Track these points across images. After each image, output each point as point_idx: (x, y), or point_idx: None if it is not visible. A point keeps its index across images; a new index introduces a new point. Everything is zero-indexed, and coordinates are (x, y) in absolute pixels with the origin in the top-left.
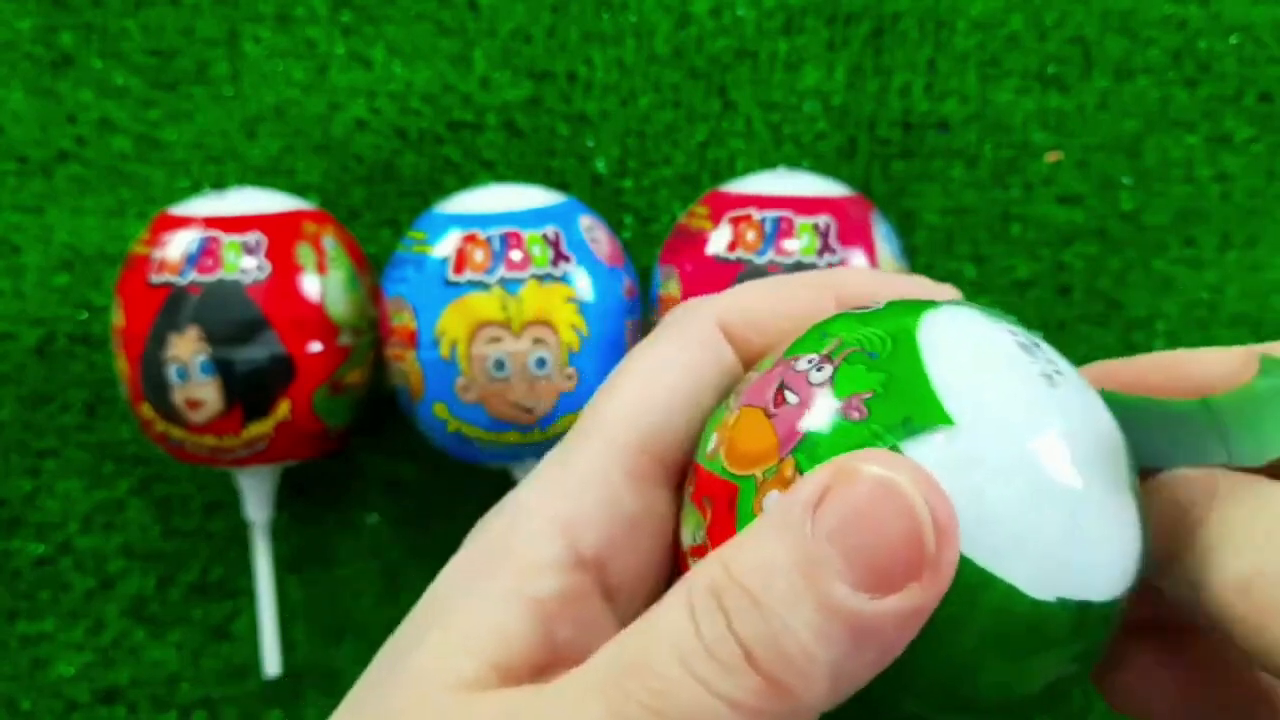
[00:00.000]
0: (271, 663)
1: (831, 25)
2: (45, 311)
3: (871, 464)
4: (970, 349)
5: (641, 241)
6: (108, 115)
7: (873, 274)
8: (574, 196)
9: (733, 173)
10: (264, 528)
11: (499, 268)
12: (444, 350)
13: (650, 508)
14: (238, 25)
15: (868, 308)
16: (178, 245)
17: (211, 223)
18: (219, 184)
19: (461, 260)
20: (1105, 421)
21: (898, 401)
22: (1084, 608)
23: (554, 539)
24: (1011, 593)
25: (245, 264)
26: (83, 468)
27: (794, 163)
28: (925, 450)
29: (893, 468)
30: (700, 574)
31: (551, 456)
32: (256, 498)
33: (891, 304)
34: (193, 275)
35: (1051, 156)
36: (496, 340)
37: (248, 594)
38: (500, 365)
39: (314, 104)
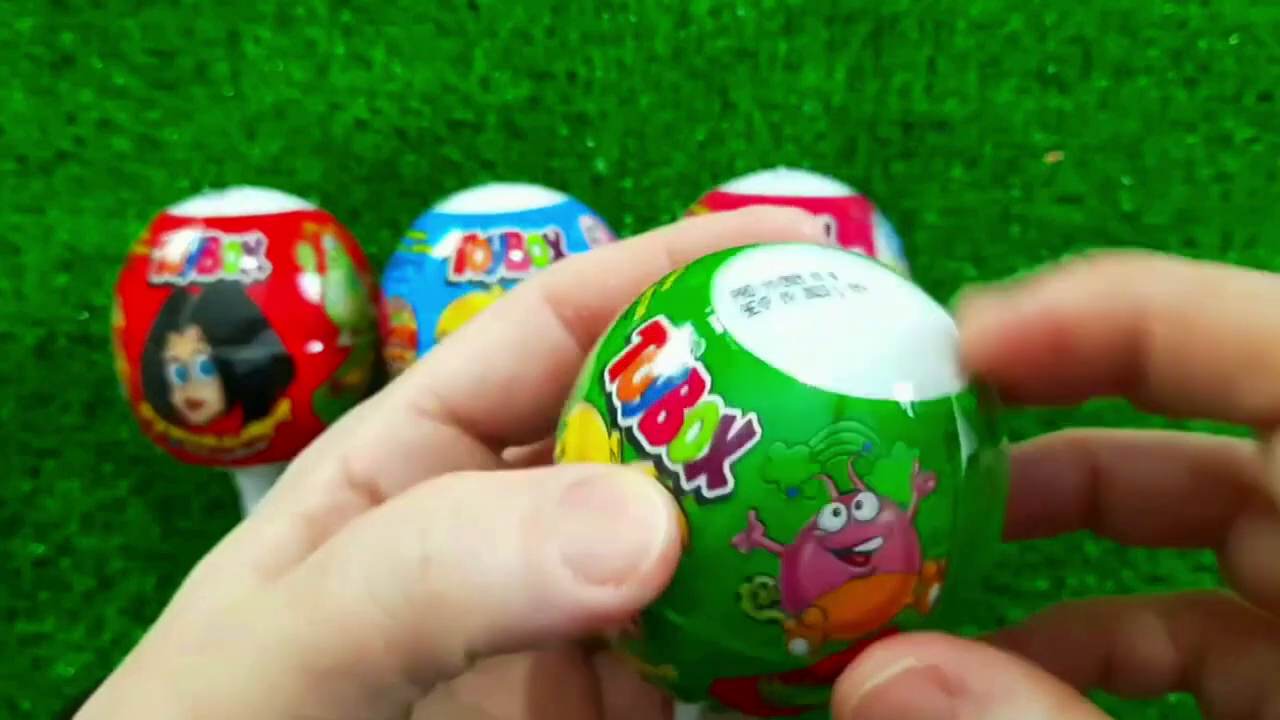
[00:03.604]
0: None
1: (831, 25)
2: (45, 311)
3: (608, 474)
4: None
5: None
6: (108, 115)
7: (703, 221)
8: (574, 196)
9: (733, 173)
10: None
11: (499, 268)
12: None
13: (429, 440)
14: (238, 25)
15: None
16: (178, 245)
17: (211, 223)
18: (219, 184)
19: (462, 260)
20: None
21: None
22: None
23: (330, 464)
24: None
25: (245, 264)
26: (83, 468)
27: (794, 163)
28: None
29: (632, 482)
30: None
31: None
32: (256, 498)
33: (695, 262)
34: (193, 275)
35: (1051, 157)
36: None
37: None
38: None
39: (314, 104)
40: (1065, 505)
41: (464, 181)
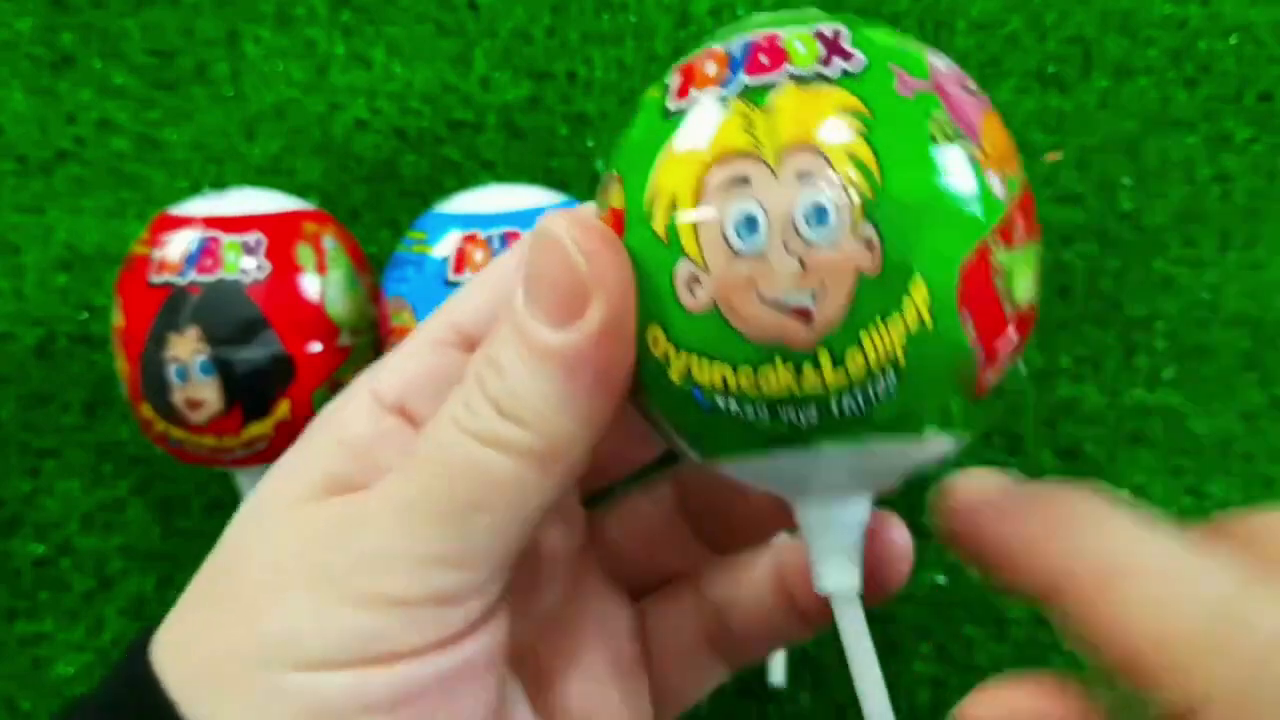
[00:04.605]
0: None
1: None
2: (45, 311)
3: (539, 221)
4: None
5: None
6: (108, 115)
7: None
8: (574, 196)
9: None
10: None
11: None
12: None
13: (449, 364)
14: (238, 25)
15: None
16: (178, 245)
17: (211, 223)
18: (219, 184)
19: (461, 260)
20: None
21: None
22: None
23: (361, 397)
24: None
25: (245, 264)
26: (83, 468)
27: None
28: None
29: (550, 219)
30: (469, 366)
31: None
32: None
33: None
34: (193, 275)
35: (1051, 156)
36: None
37: None
38: None
39: (314, 104)
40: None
41: (464, 181)
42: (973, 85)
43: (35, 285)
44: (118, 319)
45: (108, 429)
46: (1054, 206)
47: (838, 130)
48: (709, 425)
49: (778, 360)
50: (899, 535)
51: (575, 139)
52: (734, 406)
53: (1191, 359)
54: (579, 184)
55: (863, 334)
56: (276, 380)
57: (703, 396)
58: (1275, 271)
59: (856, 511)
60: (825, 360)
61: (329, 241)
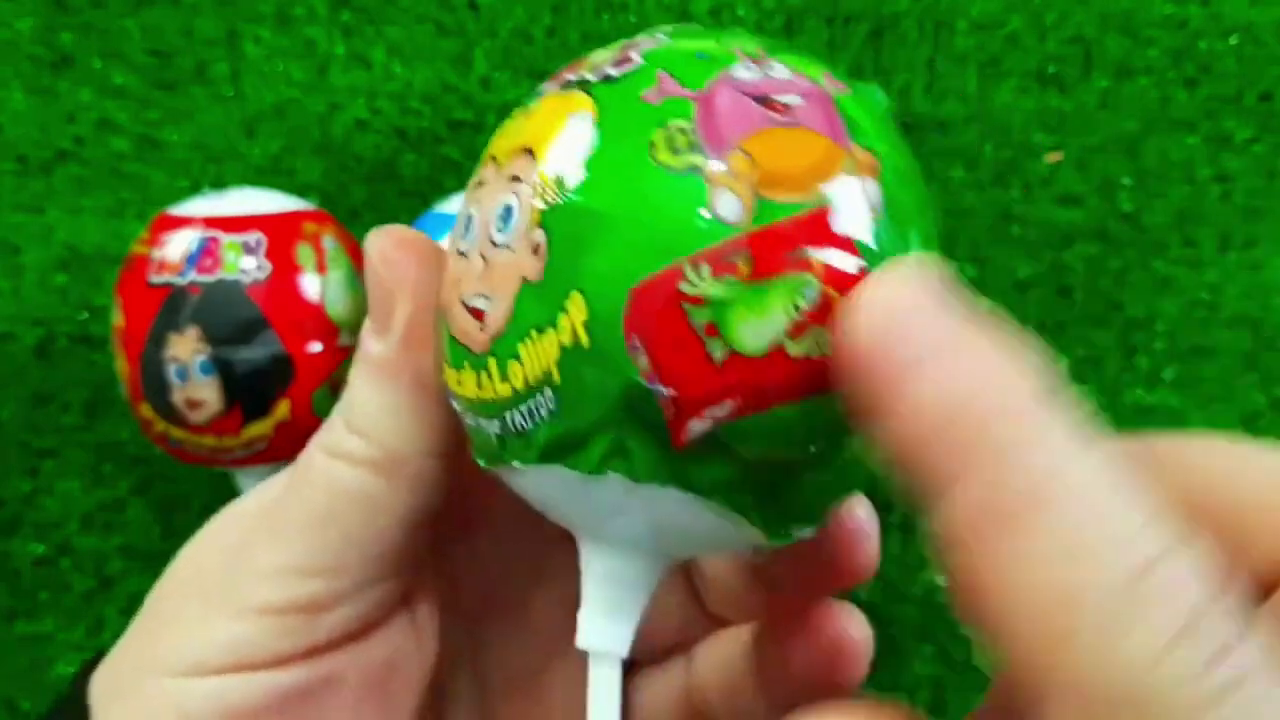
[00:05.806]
0: None
1: (831, 25)
2: (45, 311)
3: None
4: None
5: None
6: (108, 115)
7: None
8: None
9: None
10: None
11: None
12: None
13: None
14: (238, 25)
15: None
16: (177, 245)
17: (211, 223)
18: (219, 184)
19: None
20: None
21: None
22: None
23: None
24: None
25: (245, 264)
26: (83, 468)
27: None
28: None
29: (370, 234)
30: None
31: None
32: None
33: None
34: (192, 275)
35: (1051, 157)
36: None
37: None
38: None
39: (314, 104)
40: None
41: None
42: (798, 102)
43: (35, 285)
44: (118, 319)
45: (108, 429)
46: (1054, 207)
47: (552, 134)
48: (469, 432)
49: (466, 364)
50: (856, 632)
51: None
52: (461, 410)
53: (1191, 359)
54: None
55: (522, 344)
56: (276, 380)
57: (453, 400)
58: (1275, 271)
59: (638, 570)
60: (493, 368)
61: (329, 241)
